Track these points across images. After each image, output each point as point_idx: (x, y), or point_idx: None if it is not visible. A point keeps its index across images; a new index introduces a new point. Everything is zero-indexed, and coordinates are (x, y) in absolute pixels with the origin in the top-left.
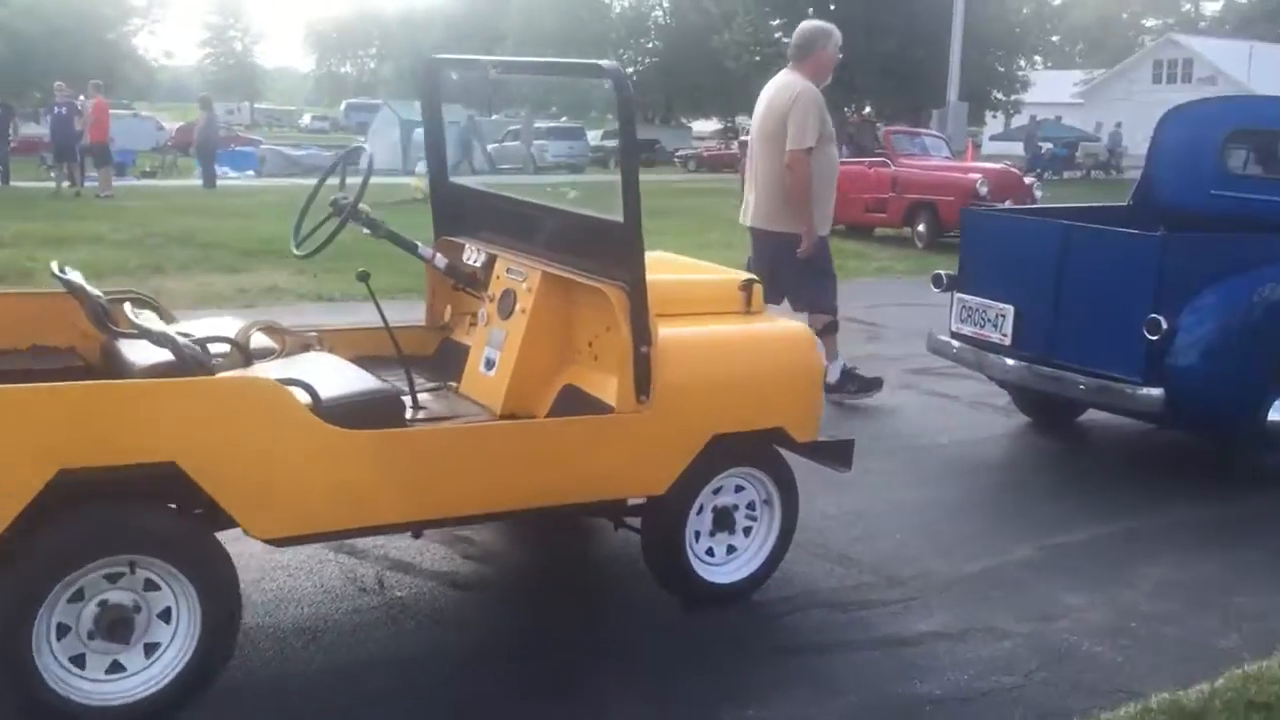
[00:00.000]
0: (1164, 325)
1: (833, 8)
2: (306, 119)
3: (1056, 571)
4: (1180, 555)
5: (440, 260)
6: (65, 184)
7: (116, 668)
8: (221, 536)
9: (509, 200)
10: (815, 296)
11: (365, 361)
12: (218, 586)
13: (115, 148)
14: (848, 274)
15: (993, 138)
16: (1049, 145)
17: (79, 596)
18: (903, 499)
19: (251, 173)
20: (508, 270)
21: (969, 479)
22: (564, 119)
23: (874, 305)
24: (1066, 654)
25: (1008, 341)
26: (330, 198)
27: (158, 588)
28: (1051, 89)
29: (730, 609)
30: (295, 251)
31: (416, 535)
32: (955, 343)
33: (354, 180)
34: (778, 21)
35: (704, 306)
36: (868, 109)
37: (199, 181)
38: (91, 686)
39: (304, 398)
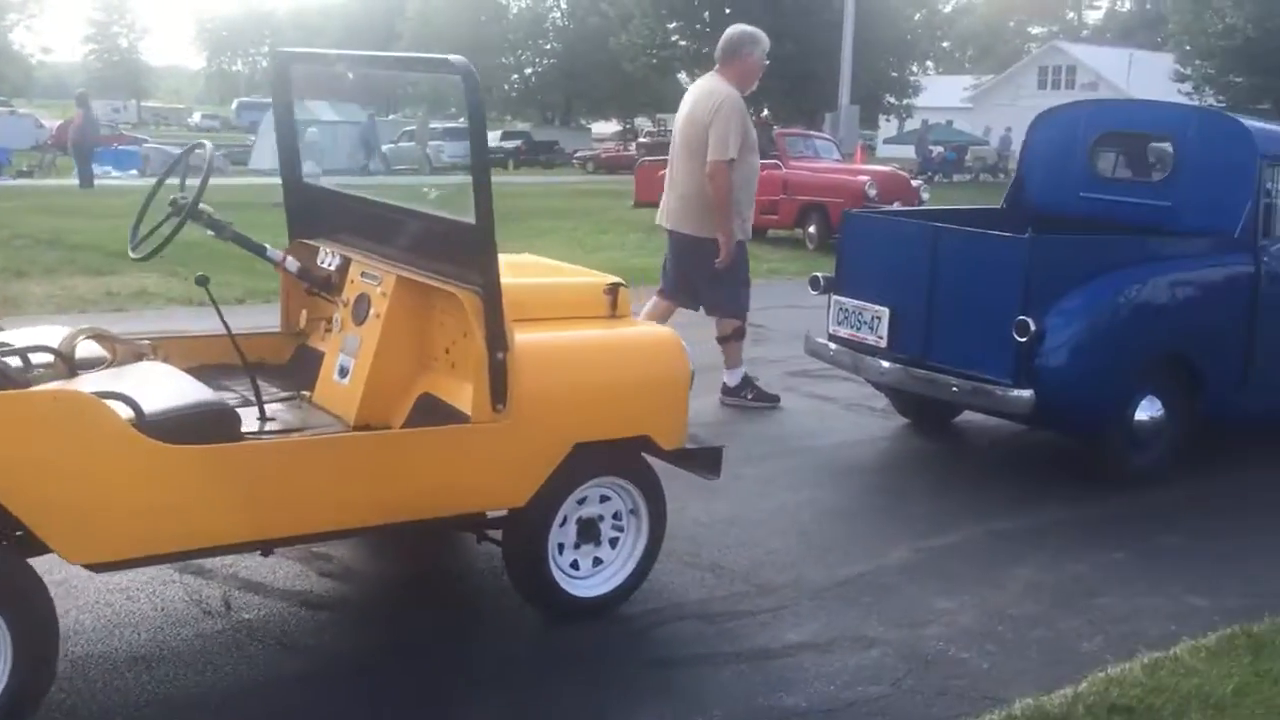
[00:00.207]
0: (1032, 327)
1: (728, 11)
2: (196, 117)
3: (929, 575)
4: (1049, 556)
5: (291, 263)
6: None
7: None
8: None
9: (364, 201)
10: (727, 302)
11: (211, 371)
12: (31, 621)
13: None
14: None
15: (886, 141)
16: (940, 149)
17: None
18: (779, 504)
19: (135, 172)
20: (362, 274)
21: (846, 482)
22: (461, 120)
23: (763, 307)
24: (934, 660)
25: (883, 344)
26: (170, 197)
27: None
28: (943, 94)
29: (597, 622)
30: (132, 254)
31: (266, 553)
32: (832, 345)
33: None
34: (674, 25)
35: (566, 311)
36: (765, 112)
37: (76, 181)
38: None
39: (125, 412)
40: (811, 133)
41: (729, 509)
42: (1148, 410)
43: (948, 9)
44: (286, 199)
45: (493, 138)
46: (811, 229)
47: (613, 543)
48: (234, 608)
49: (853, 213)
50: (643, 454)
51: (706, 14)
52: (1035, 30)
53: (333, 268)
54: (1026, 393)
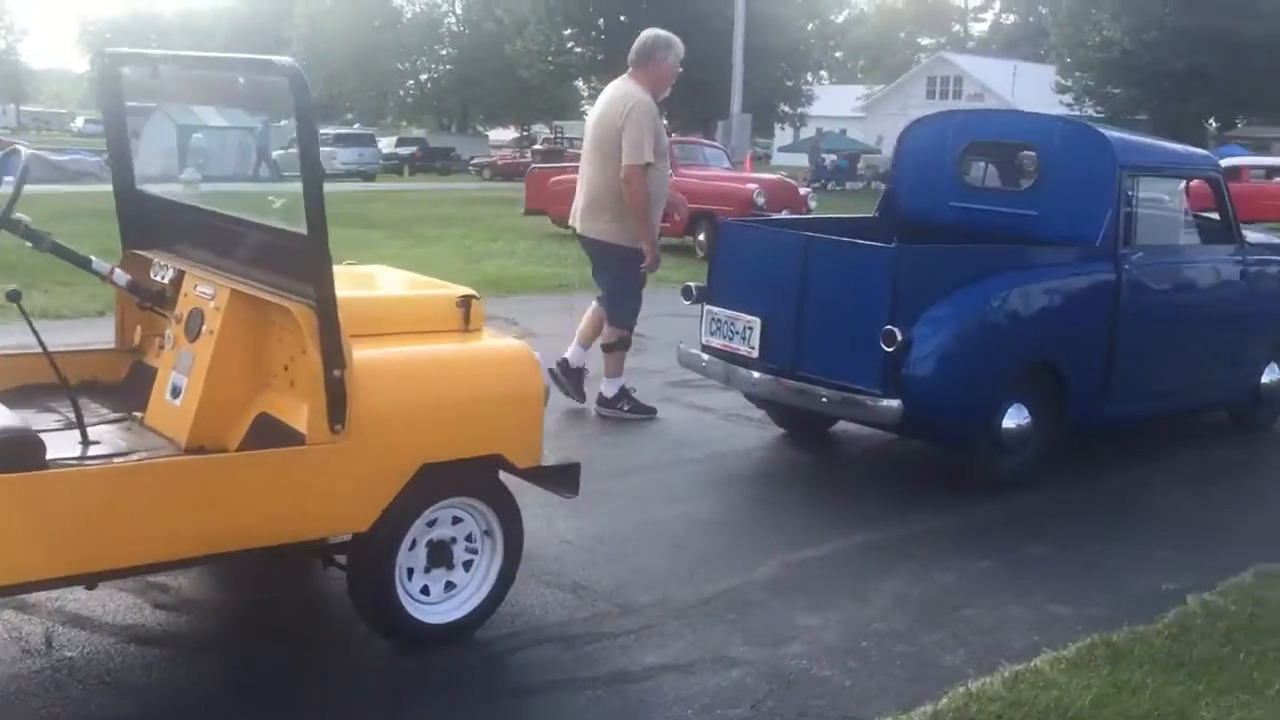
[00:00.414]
0: (899, 337)
1: (623, 19)
2: (80, 122)
3: (796, 589)
4: (918, 566)
5: (121, 276)
6: None
7: None
8: None
9: (198, 210)
10: (617, 310)
11: (36, 391)
12: None
13: None
14: None
15: (781, 149)
16: (832, 157)
17: None
18: (649, 519)
19: (10, 179)
20: (196, 287)
21: (719, 495)
22: (356, 125)
23: (646, 316)
24: (796, 680)
25: (755, 354)
26: None
27: None
28: (836, 103)
29: (450, 649)
30: None
31: (90, 587)
32: (705, 356)
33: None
34: (570, 31)
35: (415, 325)
36: (663, 120)
37: None
38: None
39: None
40: (701, 140)
41: (598, 525)
42: (1015, 418)
43: (840, 19)
44: (119, 208)
45: (387, 144)
46: (701, 236)
47: (466, 565)
48: (56, 645)
49: (726, 221)
50: (499, 473)
51: (601, 21)
52: (924, 41)
53: (166, 280)
54: (895, 403)
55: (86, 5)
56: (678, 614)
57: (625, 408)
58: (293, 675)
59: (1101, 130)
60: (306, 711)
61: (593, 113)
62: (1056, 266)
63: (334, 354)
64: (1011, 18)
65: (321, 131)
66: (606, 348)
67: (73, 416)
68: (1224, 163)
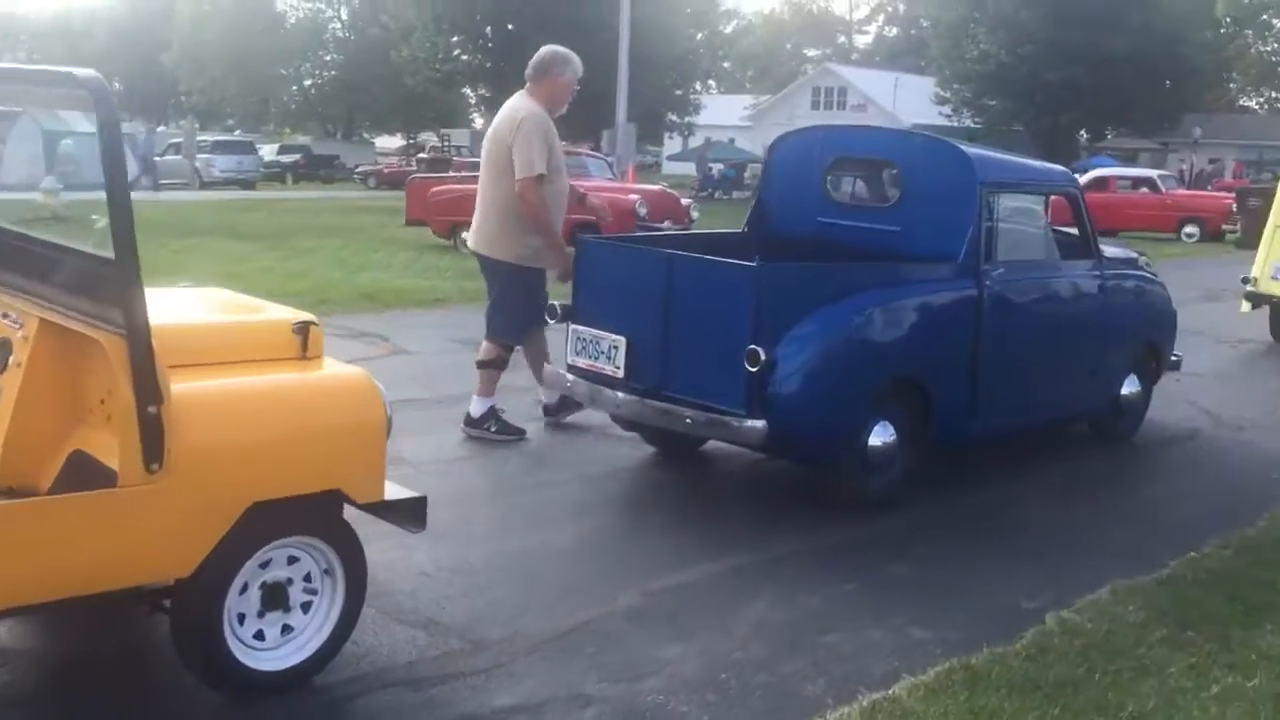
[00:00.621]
0: (762, 356)
1: (510, 27)
2: None
3: (657, 619)
4: (782, 591)
5: None
6: None
7: None
8: None
9: (4, 232)
10: (501, 326)
11: None
12: None
13: None
14: None
15: (670, 158)
16: (719, 166)
17: None
18: (511, 547)
19: None
20: (3, 316)
21: (585, 519)
22: (237, 132)
23: None
24: (652, 717)
25: (621, 374)
26: None
27: None
28: (724, 112)
29: (289, 695)
30: None
31: None
32: (570, 376)
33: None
34: (456, 38)
35: (246, 353)
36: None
37: None
38: None
39: None
40: (583, 150)
41: (458, 555)
42: (881, 436)
43: (728, 30)
44: None
45: (269, 151)
46: None
47: (305, 607)
48: None
49: (587, 239)
50: (341, 507)
51: (488, 29)
52: (810, 52)
53: None
54: (759, 423)
55: None
56: (532, 649)
57: (492, 429)
58: None
59: (962, 147)
60: None
61: (489, 130)
62: (920, 283)
63: (148, 387)
64: (894, 30)
65: (199, 138)
66: (481, 364)
67: None
68: (1093, 173)
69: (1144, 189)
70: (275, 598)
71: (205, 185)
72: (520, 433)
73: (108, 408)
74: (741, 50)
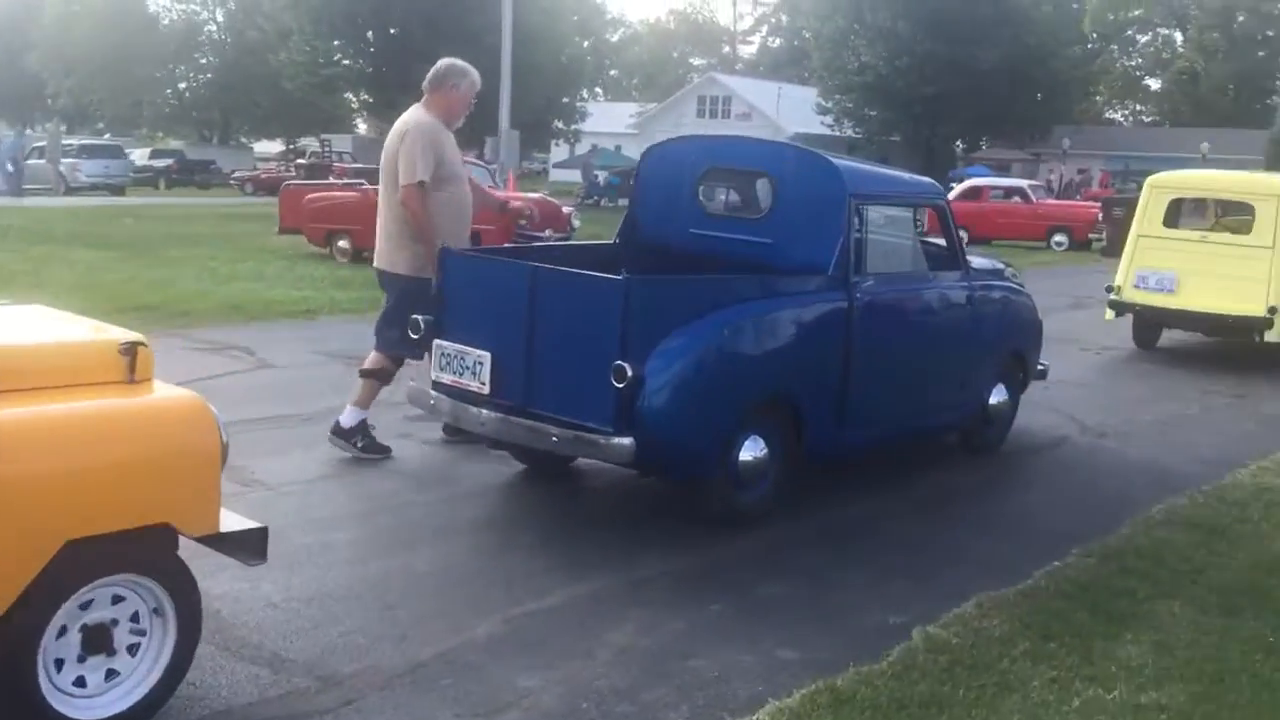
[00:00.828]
0: (629, 372)
1: (393, 31)
2: None
3: (519, 647)
4: (649, 614)
5: None
6: None
7: None
8: None
9: None
10: (393, 338)
11: None
12: None
13: None
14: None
15: (557, 165)
16: (604, 173)
17: None
18: (367, 574)
19: None
20: None
21: (447, 542)
22: (108, 136)
23: None
24: None
25: (486, 390)
26: None
27: None
28: (611, 120)
29: None
30: None
31: None
32: (434, 393)
33: None
34: (338, 43)
35: (66, 377)
36: None
37: None
38: None
39: None
40: (467, 158)
41: (310, 583)
42: (751, 451)
43: (615, 38)
44: None
45: (141, 156)
46: None
47: (132, 650)
48: None
49: (450, 251)
50: (173, 542)
51: (370, 33)
52: (696, 62)
53: None
54: (627, 440)
55: None
56: (385, 684)
57: (359, 444)
58: None
59: (831, 159)
60: None
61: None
62: (790, 295)
63: None
64: (777, 41)
65: (65, 142)
66: (365, 373)
67: None
68: (967, 183)
69: (1016, 198)
70: (98, 641)
71: (71, 191)
72: (385, 451)
73: None
74: (628, 58)
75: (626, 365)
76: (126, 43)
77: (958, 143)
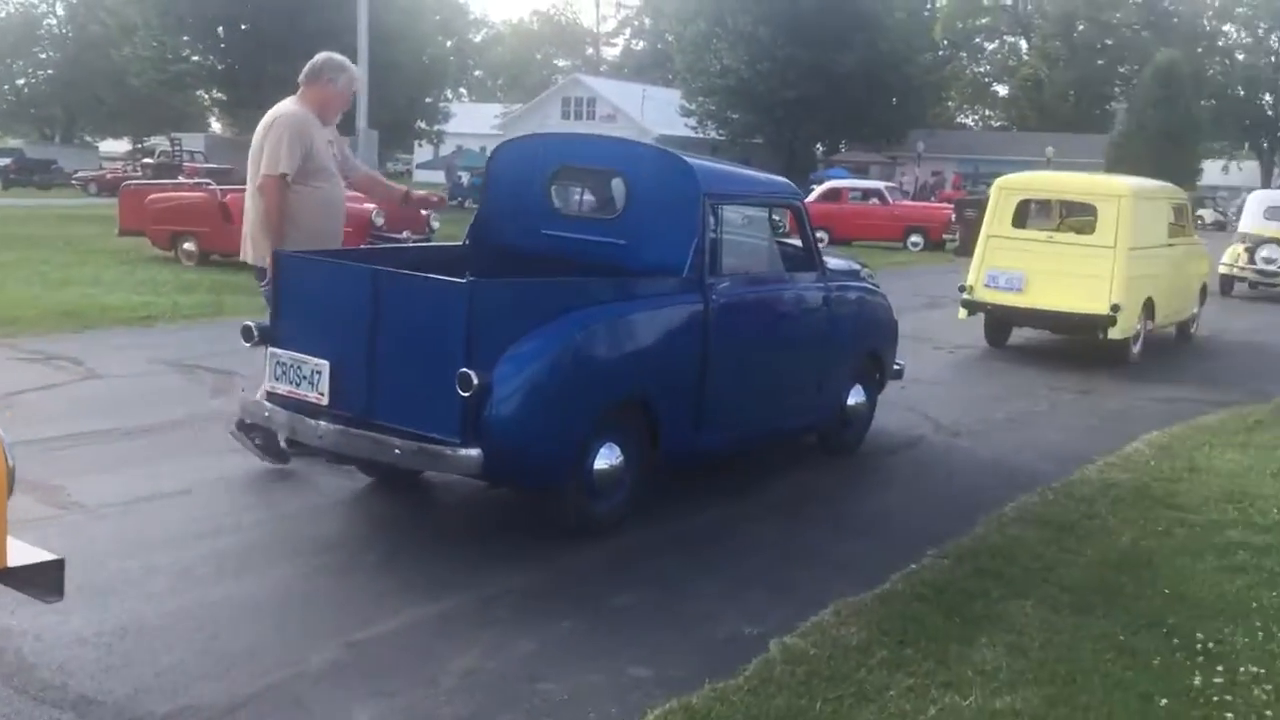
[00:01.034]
0: (475, 380)
1: (244, 27)
2: None
3: (358, 676)
4: (497, 635)
5: None
6: None
7: None
8: None
9: None
10: None
11: None
12: None
13: None
14: (227, 312)
15: (420, 165)
16: (468, 174)
17: None
18: (192, 601)
19: None
20: None
21: (288, 563)
22: None
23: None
24: None
25: (325, 401)
26: None
27: None
28: (475, 120)
29: None
30: None
31: None
32: (269, 404)
33: None
34: (186, 38)
35: None
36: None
37: None
38: None
39: None
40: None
41: (127, 615)
42: (606, 458)
43: (478, 39)
44: None
45: None
46: None
47: None
48: None
49: (283, 254)
50: None
51: (221, 29)
52: (561, 63)
53: None
54: (474, 452)
55: None
56: None
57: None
58: None
59: (685, 158)
60: None
61: None
62: (644, 298)
63: None
64: (641, 44)
65: None
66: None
67: None
68: (826, 185)
69: (874, 200)
70: None
71: None
72: (285, 459)
73: None
74: (492, 59)
75: (471, 373)
76: None
77: (818, 145)
